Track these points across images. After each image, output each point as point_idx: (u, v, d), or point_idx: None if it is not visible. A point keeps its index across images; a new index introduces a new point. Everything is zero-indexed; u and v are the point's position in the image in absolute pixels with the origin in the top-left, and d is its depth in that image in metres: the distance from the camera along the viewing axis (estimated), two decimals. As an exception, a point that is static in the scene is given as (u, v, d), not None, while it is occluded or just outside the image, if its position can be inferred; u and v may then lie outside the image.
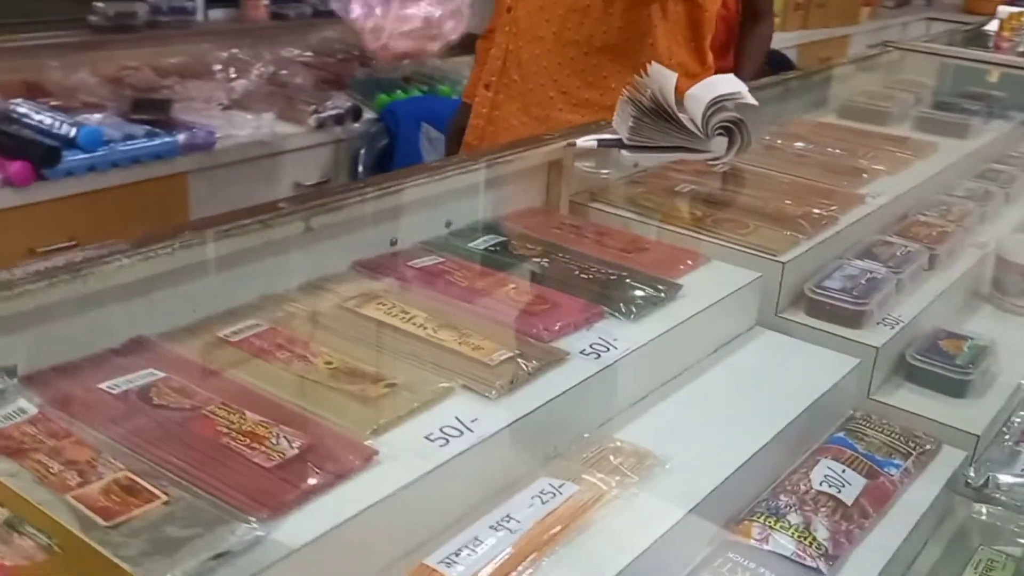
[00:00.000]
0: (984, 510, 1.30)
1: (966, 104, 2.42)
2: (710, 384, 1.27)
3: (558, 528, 0.95)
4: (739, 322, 1.40)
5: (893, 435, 1.30)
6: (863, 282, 1.49)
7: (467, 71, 2.77)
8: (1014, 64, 2.74)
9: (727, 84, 1.50)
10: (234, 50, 3.30)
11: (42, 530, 0.74)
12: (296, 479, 0.86)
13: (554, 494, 0.99)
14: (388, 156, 3.14)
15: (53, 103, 2.73)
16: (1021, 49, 2.89)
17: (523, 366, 1.07)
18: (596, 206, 1.58)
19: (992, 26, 3.01)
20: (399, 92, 3.32)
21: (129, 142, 2.62)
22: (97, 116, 2.68)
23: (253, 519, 0.80)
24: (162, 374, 1.00)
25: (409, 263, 1.31)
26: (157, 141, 2.68)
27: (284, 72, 3.27)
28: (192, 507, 0.81)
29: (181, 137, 2.73)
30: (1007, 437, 1.40)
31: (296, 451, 0.89)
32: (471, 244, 1.38)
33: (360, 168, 3.11)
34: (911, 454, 1.27)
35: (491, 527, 0.94)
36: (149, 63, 3.14)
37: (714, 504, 1.05)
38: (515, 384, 1.05)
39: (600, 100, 2.04)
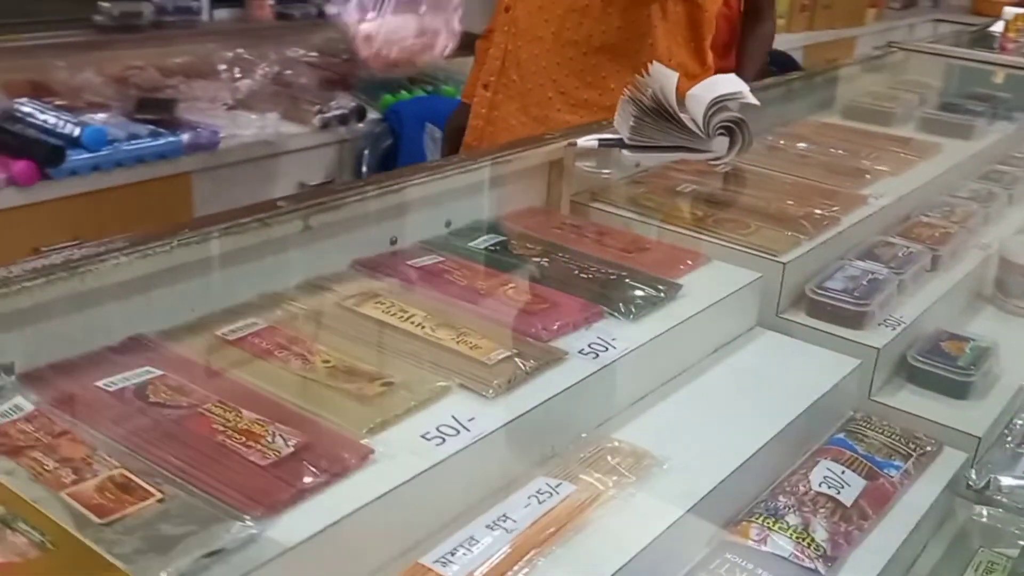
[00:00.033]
0: (985, 512, 1.29)
1: (971, 105, 2.41)
2: (710, 384, 1.27)
3: (554, 528, 0.95)
4: (739, 322, 1.40)
5: (893, 436, 1.30)
6: (864, 283, 1.48)
7: (471, 72, 2.77)
8: (1019, 65, 2.73)
9: (728, 84, 1.50)
10: (239, 50, 3.30)
11: (36, 527, 0.74)
12: (291, 477, 0.86)
13: (551, 494, 0.99)
14: (392, 156, 3.14)
15: (58, 103, 2.73)
16: (1027, 50, 2.88)
17: (521, 365, 1.07)
18: (597, 206, 1.58)
19: (998, 27, 3.00)
20: (403, 92, 3.32)
21: (133, 142, 2.63)
22: (102, 116, 2.69)
23: (248, 517, 0.80)
24: (159, 372, 1.00)
25: (408, 262, 1.30)
26: (161, 141, 2.68)
27: (289, 72, 3.27)
28: (187, 505, 0.81)
29: (185, 137, 2.73)
30: (1009, 439, 1.39)
31: (292, 449, 0.89)
32: (471, 244, 1.38)
33: (364, 168, 3.11)
34: (911, 456, 1.27)
35: (487, 526, 0.94)
36: (154, 63, 3.14)
37: (712, 504, 1.05)
38: (512, 383, 1.05)
39: (599, 100, 2.03)
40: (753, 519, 1.09)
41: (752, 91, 1.55)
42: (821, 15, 5.02)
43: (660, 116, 1.47)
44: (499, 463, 1.00)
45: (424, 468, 0.91)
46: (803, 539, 1.07)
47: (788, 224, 1.54)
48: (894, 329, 1.45)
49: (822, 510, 1.12)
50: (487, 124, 2.17)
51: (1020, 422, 1.41)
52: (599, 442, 1.09)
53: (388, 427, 0.96)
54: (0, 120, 2.58)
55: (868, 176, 1.85)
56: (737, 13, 2.76)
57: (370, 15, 2.73)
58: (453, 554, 0.90)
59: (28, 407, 0.91)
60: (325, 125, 3.05)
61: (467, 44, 2.27)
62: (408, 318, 1.14)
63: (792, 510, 1.11)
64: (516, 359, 1.08)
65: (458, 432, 0.96)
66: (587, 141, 1.54)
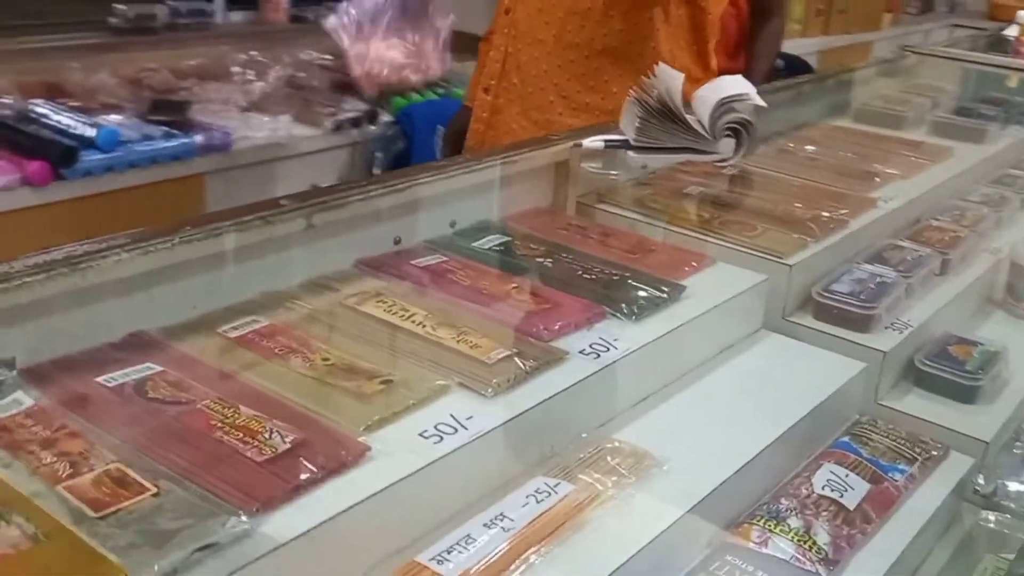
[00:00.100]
0: (992, 517, 1.28)
1: (984, 109, 2.40)
2: (713, 386, 1.27)
3: (552, 527, 0.94)
4: (744, 324, 1.39)
5: (899, 440, 1.29)
6: (872, 286, 1.47)
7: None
8: (1034, 69, 2.71)
9: (735, 85, 1.49)
10: (252, 52, 3.32)
11: (30, 520, 0.74)
12: (287, 474, 0.86)
13: (549, 493, 0.99)
14: (404, 159, 3.15)
15: (73, 104, 2.76)
16: (1041, 54, 2.86)
17: (520, 365, 1.07)
18: (603, 207, 1.58)
19: (1012, 31, 2.98)
20: (415, 95, 3.33)
21: (147, 143, 2.64)
22: (116, 117, 2.71)
23: (242, 512, 0.80)
24: (159, 368, 1.00)
25: (412, 262, 1.30)
26: (174, 142, 2.69)
27: (302, 75, 3.29)
28: (182, 500, 0.81)
29: (198, 138, 2.74)
30: (1017, 444, 1.38)
31: (288, 446, 0.89)
32: (475, 244, 1.38)
33: (376, 170, 3.12)
34: (917, 460, 1.26)
35: (484, 525, 0.93)
36: (168, 65, 3.16)
37: (713, 506, 1.04)
38: (512, 383, 1.04)
39: (601, 104, 2.02)
40: (754, 521, 1.09)
41: (762, 94, 1.54)
42: (836, 19, 5.00)
43: (666, 117, 1.47)
44: (497, 462, 1.00)
45: (421, 466, 0.91)
46: (804, 542, 1.06)
47: (795, 226, 1.53)
48: (901, 333, 1.44)
49: (824, 513, 1.11)
50: (488, 128, 2.16)
51: (1029, 427, 1.40)
52: (599, 442, 1.08)
53: (386, 425, 0.96)
54: (15, 121, 2.60)
55: (878, 179, 1.84)
56: (746, 12, 2.75)
57: (361, 39, 2.77)
58: (449, 552, 0.89)
59: (28, 402, 0.92)
60: (337, 127, 3.06)
61: (472, 47, 2.26)
62: (409, 317, 1.14)
63: (794, 513, 1.10)
64: (516, 358, 1.07)
65: (456, 431, 0.96)
66: (593, 142, 1.54)
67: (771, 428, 1.17)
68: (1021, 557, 1.18)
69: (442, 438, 0.95)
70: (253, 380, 1.01)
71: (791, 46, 4.13)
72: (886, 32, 5.46)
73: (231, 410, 0.93)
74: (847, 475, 1.19)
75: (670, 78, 1.46)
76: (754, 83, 1.56)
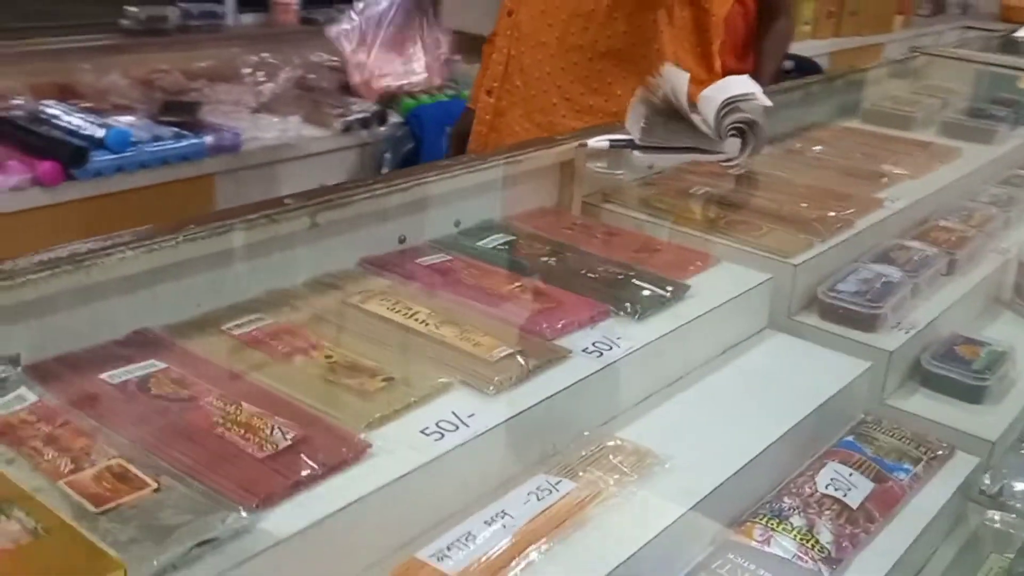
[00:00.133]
0: (997, 517, 1.27)
1: (993, 110, 2.39)
2: (717, 385, 1.26)
3: (553, 525, 0.94)
4: (749, 324, 1.39)
5: (904, 440, 1.28)
6: (878, 286, 1.47)
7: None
8: (1044, 71, 2.70)
9: (741, 85, 1.49)
10: (263, 54, 3.33)
11: (30, 515, 0.74)
12: (287, 470, 0.86)
13: (551, 491, 0.99)
14: (413, 160, 3.15)
15: (84, 105, 2.78)
16: (1052, 56, 2.85)
17: (523, 363, 1.07)
18: (609, 207, 1.58)
19: (1022, 33, 2.97)
20: (424, 97, 3.33)
21: (157, 143, 2.66)
22: (127, 118, 2.72)
23: (242, 508, 0.81)
24: (163, 365, 1.00)
25: (416, 261, 1.31)
26: (184, 143, 2.71)
27: (312, 76, 3.30)
28: (182, 495, 0.81)
29: (208, 139, 2.76)
30: (1024, 444, 1.38)
31: (289, 443, 0.89)
32: (480, 243, 1.38)
33: (385, 171, 3.12)
34: (922, 459, 1.25)
35: (485, 522, 0.94)
36: (179, 66, 3.18)
37: (715, 504, 1.04)
38: (514, 380, 1.04)
39: (605, 107, 2.01)
40: (757, 520, 1.08)
41: (770, 94, 1.54)
42: (848, 21, 4.98)
43: (671, 117, 1.47)
44: (499, 460, 1.00)
45: (422, 463, 0.91)
46: (807, 541, 1.06)
47: (801, 226, 1.53)
48: (907, 333, 1.44)
49: (827, 512, 1.11)
50: (491, 130, 2.15)
51: (1035, 427, 1.40)
52: (601, 440, 1.08)
53: (387, 422, 0.96)
54: (27, 121, 2.62)
55: (885, 180, 1.83)
56: (753, 12, 2.75)
57: (362, 47, 2.80)
58: (449, 549, 0.89)
59: (31, 398, 0.92)
60: (346, 128, 3.07)
61: (480, 49, 2.26)
62: (412, 315, 1.15)
63: (797, 511, 1.10)
64: (518, 357, 1.07)
65: (457, 428, 0.96)
66: (598, 142, 1.54)
67: (774, 427, 1.17)
68: (1022, 555, 1.17)
69: (443, 435, 0.95)
70: (256, 377, 1.01)
71: (802, 48, 4.12)
72: (897, 34, 5.44)
73: (233, 407, 0.94)
74: (851, 474, 1.18)
75: (676, 78, 1.46)
76: (762, 83, 1.56)
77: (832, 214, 1.60)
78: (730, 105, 1.47)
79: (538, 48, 2.06)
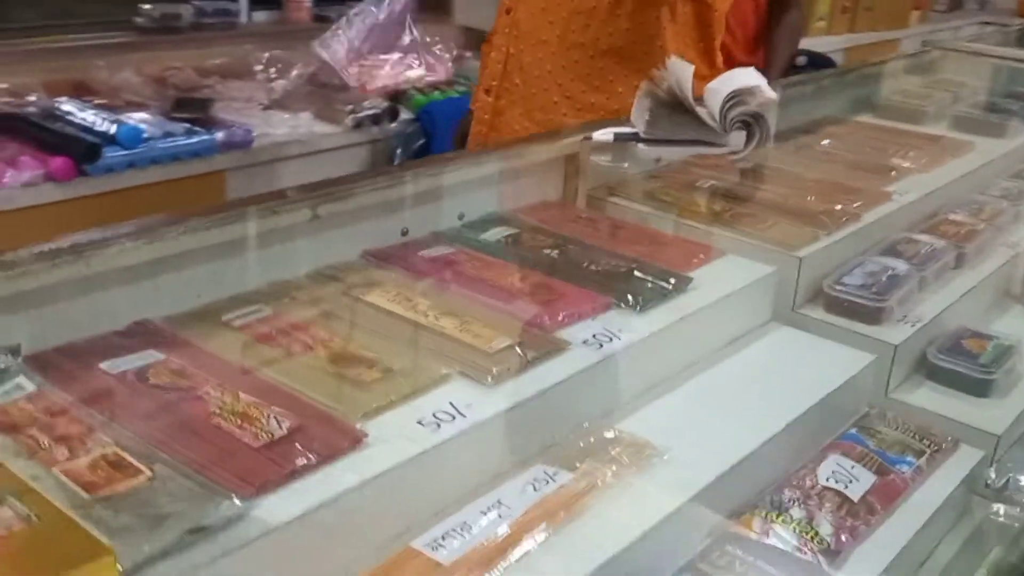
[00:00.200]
0: (1002, 511, 1.27)
1: (1007, 104, 2.37)
2: (719, 377, 1.26)
3: (549, 515, 0.94)
4: (753, 316, 1.38)
5: (908, 433, 1.28)
6: (884, 279, 1.46)
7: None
8: (1059, 64, 2.68)
9: (746, 78, 1.48)
10: (276, 51, 3.34)
11: (24, 502, 0.75)
12: (282, 459, 0.86)
13: (547, 481, 0.99)
14: (424, 156, 3.15)
15: (98, 102, 2.79)
16: (1068, 50, 2.83)
17: (521, 354, 1.07)
18: (614, 200, 1.57)
19: (1038, 26, 2.95)
20: (436, 93, 3.33)
21: (168, 139, 2.66)
22: (140, 115, 2.73)
23: (235, 496, 0.81)
24: (162, 356, 1.01)
25: (419, 253, 1.31)
26: (195, 139, 2.71)
27: (323, 73, 3.30)
28: (176, 483, 0.82)
29: (219, 135, 2.76)
30: (1030, 438, 1.37)
31: (285, 432, 0.89)
32: (483, 236, 1.38)
33: (395, 167, 3.13)
34: (925, 452, 1.25)
35: (481, 512, 0.94)
36: (192, 64, 3.19)
37: (714, 496, 1.04)
38: (512, 372, 1.04)
39: (606, 104, 1.99)
40: (756, 511, 1.08)
41: (780, 88, 1.53)
42: (863, 17, 4.94)
43: (676, 110, 1.46)
44: (496, 450, 1.00)
45: (417, 453, 0.91)
46: (806, 532, 1.05)
47: (807, 219, 1.52)
48: (913, 326, 1.43)
49: (828, 504, 1.10)
50: (491, 130, 2.12)
51: (1042, 421, 1.39)
52: (600, 432, 1.08)
53: (384, 412, 0.96)
54: (40, 118, 2.64)
55: (894, 173, 1.82)
56: (764, 5, 2.73)
57: (351, 54, 2.84)
58: (444, 538, 0.90)
59: (30, 387, 0.93)
60: (358, 125, 3.07)
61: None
62: (412, 306, 1.15)
63: (797, 503, 1.10)
64: (517, 348, 1.08)
65: (454, 418, 0.96)
66: (603, 135, 1.54)
67: (776, 420, 1.16)
68: (1014, 546, 1.16)
69: (440, 425, 0.95)
70: (255, 368, 1.01)
71: (816, 44, 4.10)
72: (914, 29, 5.39)
73: (231, 397, 0.94)
74: (853, 467, 1.18)
75: (681, 70, 1.45)
76: (772, 76, 1.55)
77: (839, 207, 1.59)
78: (735, 98, 1.46)
79: (538, 46, 2.04)
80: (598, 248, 1.38)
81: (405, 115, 3.20)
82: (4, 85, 2.75)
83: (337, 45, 3.18)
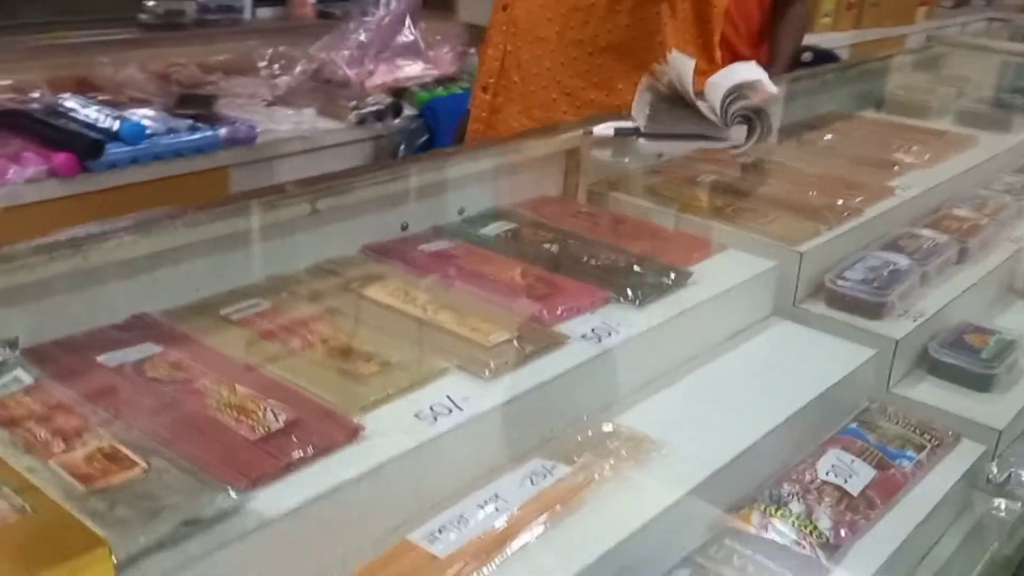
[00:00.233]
0: (1004, 506, 1.26)
1: (1012, 99, 2.37)
2: (719, 371, 1.26)
3: (547, 508, 0.94)
4: (754, 311, 1.38)
5: (908, 427, 1.27)
6: (885, 274, 1.46)
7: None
8: (1064, 59, 2.67)
9: (748, 72, 1.48)
10: (280, 47, 3.34)
11: (19, 493, 0.75)
12: (278, 451, 0.86)
13: (545, 475, 0.99)
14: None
15: (101, 98, 2.79)
16: (1073, 45, 2.82)
17: (519, 348, 1.06)
18: (615, 195, 1.57)
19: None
20: (439, 89, 3.33)
21: (171, 135, 2.66)
22: (143, 111, 2.73)
23: (231, 489, 0.81)
24: (159, 349, 1.01)
25: (419, 247, 1.31)
26: (199, 135, 2.71)
27: (327, 69, 3.30)
28: (173, 476, 0.82)
29: (223, 131, 2.76)
30: (1032, 433, 1.36)
31: (281, 425, 0.89)
32: (483, 230, 1.38)
33: (399, 164, 3.13)
34: (926, 447, 1.24)
35: (478, 505, 0.94)
36: (196, 60, 3.19)
37: (713, 490, 1.04)
38: (510, 365, 1.04)
39: (606, 101, 1.98)
40: (755, 505, 1.08)
41: (784, 83, 1.53)
42: (869, 13, 4.92)
43: (677, 104, 1.46)
44: (493, 444, 1.00)
45: (414, 446, 0.91)
46: (805, 527, 1.05)
47: (808, 214, 1.52)
48: (915, 321, 1.42)
49: (827, 499, 1.10)
50: (488, 127, 2.11)
51: (1044, 416, 1.38)
52: (598, 425, 1.08)
53: (381, 405, 0.96)
54: (44, 114, 2.64)
55: (897, 168, 1.82)
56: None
57: (355, 49, 2.85)
58: (441, 531, 0.90)
59: (28, 380, 0.93)
60: (361, 121, 3.06)
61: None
62: (411, 301, 1.15)
63: (796, 497, 1.09)
64: (515, 342, 1.07)
65: (451, 411, 0.96)
66: (603, 129, 1.54)
67: (775, 414, 1.16)
68: (1010, 540, 1.16)
69: (437, 419, 0.95)
70: (253, 361, 1.01)
71: (822, 40, 4.08)
72: (920, 25, 5.38)
73: (227, 390, 0.94)
74: (853, 461, 1.18)
75: (681, 64, 1.45)
76: (776, 70, 1.55)
77: (841, 202, 1.58)
78: (737, 92, 1.46)
79: (537, 43, 2.02)
80: (598, 243, 1.37)
81: (408, 111, 3.19)
82: (8, 81, 2.75)
83: (340, 42, 3.18)
